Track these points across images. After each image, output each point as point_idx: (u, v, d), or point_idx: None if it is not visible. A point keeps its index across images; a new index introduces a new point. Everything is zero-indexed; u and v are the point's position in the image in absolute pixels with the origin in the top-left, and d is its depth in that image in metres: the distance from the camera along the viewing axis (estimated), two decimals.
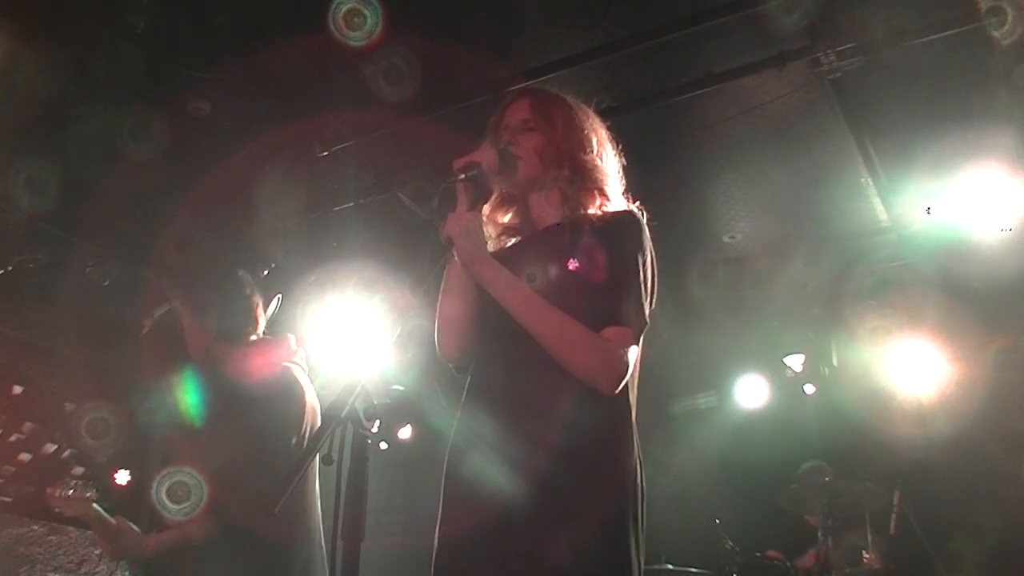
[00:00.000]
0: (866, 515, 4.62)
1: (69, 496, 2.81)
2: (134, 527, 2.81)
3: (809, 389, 5.63)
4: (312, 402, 2.84)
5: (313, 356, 4.71)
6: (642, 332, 1.88)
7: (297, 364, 2.92)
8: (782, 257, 5.07)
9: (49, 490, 2.84)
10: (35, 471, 4.54)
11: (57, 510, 2.85)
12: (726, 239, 5.05)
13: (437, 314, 2.01)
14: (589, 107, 2.17)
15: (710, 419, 6.04)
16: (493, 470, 1.78)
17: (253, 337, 2.94)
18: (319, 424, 2.74)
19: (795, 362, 5.63)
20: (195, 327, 2.89)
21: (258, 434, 2.77)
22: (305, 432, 2.77)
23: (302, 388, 2.83)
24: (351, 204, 4.62)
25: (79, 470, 4.46)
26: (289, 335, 3.01)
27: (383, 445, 6.05)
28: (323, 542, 2.75)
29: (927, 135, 3.97)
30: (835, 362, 5.59)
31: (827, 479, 4.50)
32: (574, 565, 1.69)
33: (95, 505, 2.81)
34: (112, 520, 2.80)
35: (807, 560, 4.77)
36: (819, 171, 4.39)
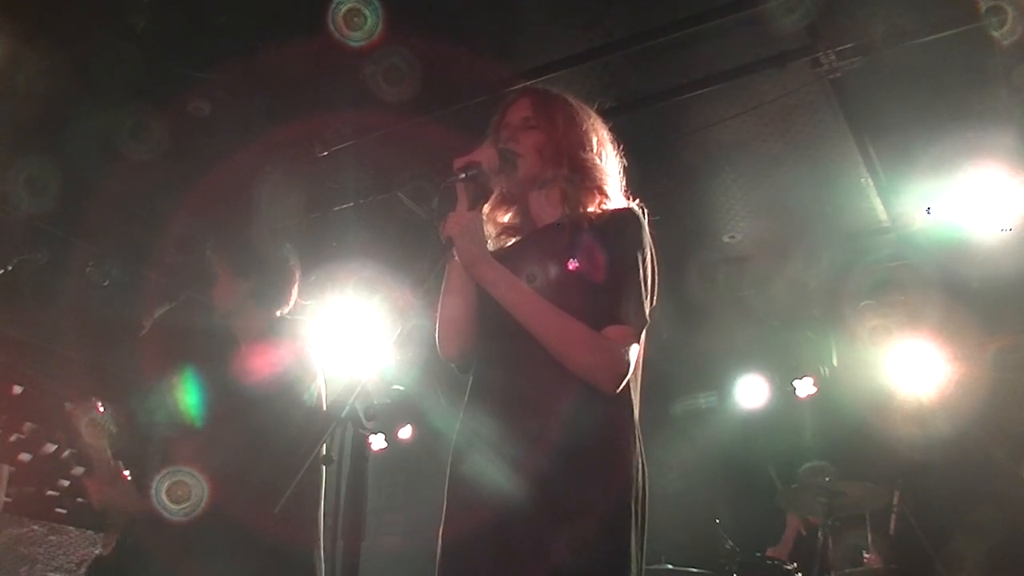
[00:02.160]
0: (866, 515, 4.62)
1: (94, 419, 2.80)
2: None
3: (808, 389, 5.64)
4: (320, 384, 2.83)
5: (313, 356, 4.71)
6: (643, 330, 1.88)
7: (308, 346, 2.91)
8: (782, 257, 5.06)
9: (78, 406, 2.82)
10: (35, 471, 4.54)
11: (79, 425, 2.83)
12: (726, 239, 5.05)
13: (438, 314, 2.02)
14: (591, 108, 2.17)
15: (710, 419, 6.04)
16: (494, 470, 1.79)
17: (279, 312, 2.94)
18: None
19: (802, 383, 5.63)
20: (233, 280, 2.88)
21: (259, 433, 2.77)
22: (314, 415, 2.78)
23: (312, 376, 2.82)
24: (351, 204, 4.62)
25: (79, 470, 4.46)
26: (300, 320, 3.01)
27: (377, 441, 6.02)
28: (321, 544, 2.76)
29: (927, 135, 3.97)
30: (835, 362, 5.58)
31: (827, 479, 4.50)
32: (574, 564, 1.69)
33: (106, 440, 2.81)
34: (114, 464, 2.80)
35: (780, 549, 4.80)
36: (819, 171, 4.39)
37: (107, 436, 2.82)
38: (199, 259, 3.01)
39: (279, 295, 2.94)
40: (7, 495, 4.38)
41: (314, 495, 2.76)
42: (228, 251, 2.95)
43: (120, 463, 2.82)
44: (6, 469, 3.89)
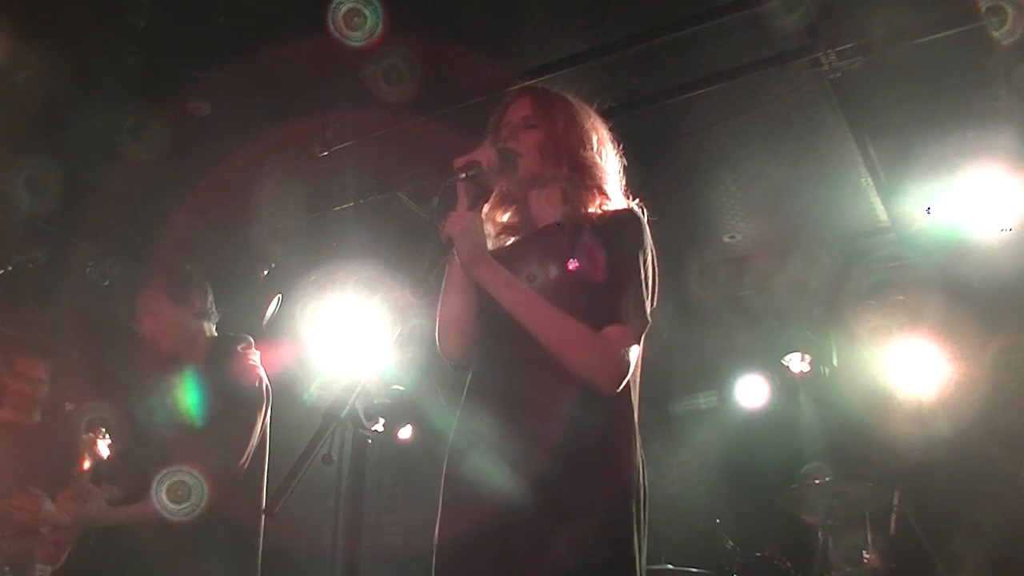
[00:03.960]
0: (866, 515, 4.62)
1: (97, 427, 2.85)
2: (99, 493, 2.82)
3: (808, 389, 5.64)
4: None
5: (313, 356, 4.73)
6: (643, 331, 1.88)
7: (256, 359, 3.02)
8: (782, 257, 5.06)
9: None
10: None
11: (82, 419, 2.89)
12: (726, 239, 5.05)
13: (438, 314, 2.01)
14: (590, 107, 2.17)
15: (710, 419, 6.03)
16: (493, 470, 1.78)
17: (212, 322, 3.04)
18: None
19: (795, 361, 5.64)
20: (176, 308, 2.97)
21: (253, 435, 2.79)
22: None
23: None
24: (351, 204, 4.62)
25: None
26: (246, 335, 3.09)
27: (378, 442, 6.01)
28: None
29: (927, 135, 3.97)
30: (835, 362, 5.58)
31: (827, 479, 4.50)
32: (575, 565, 1.69)
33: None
34: (87, 477, 2.83)
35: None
36: (819, 171, 4.39)
37: (95, 460, 2.84)
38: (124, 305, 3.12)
39: (212, 307, 3.06)
40: None
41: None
42: (163, 281, 3.02)
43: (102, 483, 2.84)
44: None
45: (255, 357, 2.98)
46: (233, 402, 2.81)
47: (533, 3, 3.51)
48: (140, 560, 2.70)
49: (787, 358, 5.67)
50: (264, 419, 2.90)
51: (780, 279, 5.18)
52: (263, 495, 2.85)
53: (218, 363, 2.90)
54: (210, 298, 3.08)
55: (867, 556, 4.54)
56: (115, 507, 2.80)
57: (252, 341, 3.06)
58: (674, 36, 3.53)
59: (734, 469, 5.66)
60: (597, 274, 1.86)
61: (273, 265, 4.84)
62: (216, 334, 3.06)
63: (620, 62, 3.72)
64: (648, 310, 1.89)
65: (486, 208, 2.08)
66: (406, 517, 6.40)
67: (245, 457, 2.76)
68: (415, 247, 4.40)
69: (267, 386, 2.94)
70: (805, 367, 5.62)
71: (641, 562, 1.77)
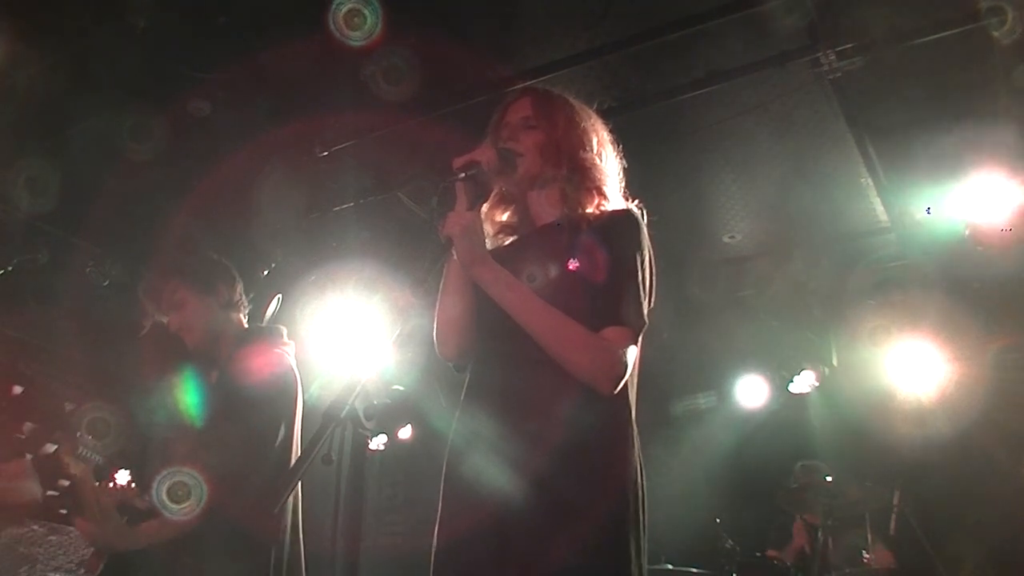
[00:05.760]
0: (866, 515, 4.62)
1: (77, 454, 2.78)
2: (118, 515, 2.78)
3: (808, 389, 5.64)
4: (300, 394, 2.87)
5: (313, 356, 4.73)
6: (641, 331, 1.88)
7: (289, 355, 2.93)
8: (782, 257, 5.06)
9: (61, 448, 2.80)
10: (35, 471, 4.53)
11: (64, 463, 2.82)
12: (726, 239, 5.05)
13: (436, 313, 2.01)
14: (590, 108, 2.17)
15: (710, 419, 6.04)
16: (493, 470, 1.78)
17: (244, 314, 2.95)
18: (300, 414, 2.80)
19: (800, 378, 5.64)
20: (203, 298, 2.87)
21: (258, 434, 2.78)
22: (295, 424, 2.80)
23: (296, 380, 2.84)
24: (351, 204, 4.62)
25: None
26: (281, 327, 3.01)
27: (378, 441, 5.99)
28: (301, 540, 2.76)
29: (927, 135, 3.97)
30: (835, 362, 5.59)
31: (827, 479, 4.50)
32: (574, 565, 1.69)
33: (91, 475, 2.79)
34: (100, 498, 2.78)
35: (794, 546, 4.79)
36: (819, 171, 4.39)
37: (90, 468, 2.80)
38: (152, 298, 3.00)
39: (243, 297, 2.97)
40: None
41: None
42: (187, 271, 2.93)
43: (107, 503, 2.80)
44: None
45: (282, 349, 2.90)
46: (234, 401, 2.79)
47: (533, 3, 3.51)
48: (140, 560, 2.70)
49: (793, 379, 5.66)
50: (284, 415, 2.80)
51: (780, 279, 5.18)
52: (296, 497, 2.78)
53: (227, 361, 2.88)
54: (239, 287, 2.96)
55: (867, 556, 4.54)
56: (134, 527, 2.75)
57: (283, 331, 2.95)
58: (674, 36, 3.53)
59: (734, 469, 5.66)
60: (596, 275, 1.86)
61: (273, 265, 4.84)
62: (247, 326, 2.98)
63: (620, 62, 3.72)
64: (646, 311, 1.89)
65: (485, 208, 2.08)
66: (406, 517, 6.40)
67: (255, 455, 2.72)
68: (415, 247, 4.41)
69: (288, 380, 2.85)
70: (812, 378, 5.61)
71: (641, 562, 1.76)
